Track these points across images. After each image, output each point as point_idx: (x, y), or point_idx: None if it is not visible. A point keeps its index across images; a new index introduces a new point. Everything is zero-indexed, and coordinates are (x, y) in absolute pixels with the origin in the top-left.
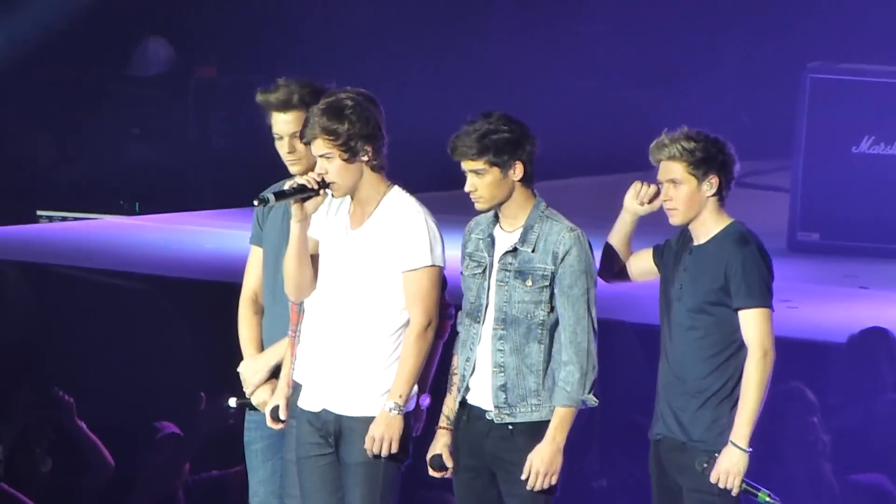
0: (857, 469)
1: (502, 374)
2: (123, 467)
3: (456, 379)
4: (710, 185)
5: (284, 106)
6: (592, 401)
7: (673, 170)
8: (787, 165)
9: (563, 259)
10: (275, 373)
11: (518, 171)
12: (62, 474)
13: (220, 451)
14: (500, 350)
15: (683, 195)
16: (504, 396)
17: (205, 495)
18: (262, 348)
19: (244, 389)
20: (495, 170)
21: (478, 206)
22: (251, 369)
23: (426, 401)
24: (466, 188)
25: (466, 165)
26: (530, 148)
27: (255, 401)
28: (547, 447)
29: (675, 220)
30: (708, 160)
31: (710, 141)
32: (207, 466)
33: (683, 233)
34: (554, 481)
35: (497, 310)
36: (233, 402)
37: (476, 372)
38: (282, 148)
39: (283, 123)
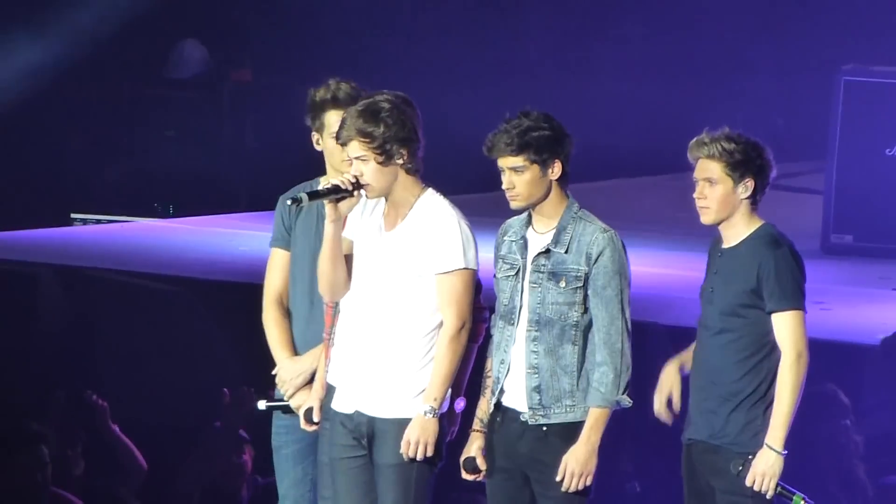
0: (891, 471)
1: (536, 376)
2: (159, 469)
3: (489, 381)
4: (746, 187)
5: (333, 103)
6: (626, 401)
7: (710, 168)
8: (820, 167)
9: (596, 260)
10: (311, 377)
11: (556, 170)
12: (95, 477)
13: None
14: (535, 352)
15: (718, 195)
16: (538, 398)
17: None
18: (294, 350)
19: (282, 392)
20: (535, 167)
21: (514, 205)
22: (292, 371)
23: (461, 404)
24: (504, 185)
25: (505, 162)
26: (568, 148)
27: (294, 404)
28: (582, 448)
29: (707, 218)
30: (746, 163)
31: (751, 144)
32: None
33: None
34: (589, 482)
35: (531, 311)
36: (262, 404)
37: (510, 374)
38: (329, 143)
39: (333, 122)
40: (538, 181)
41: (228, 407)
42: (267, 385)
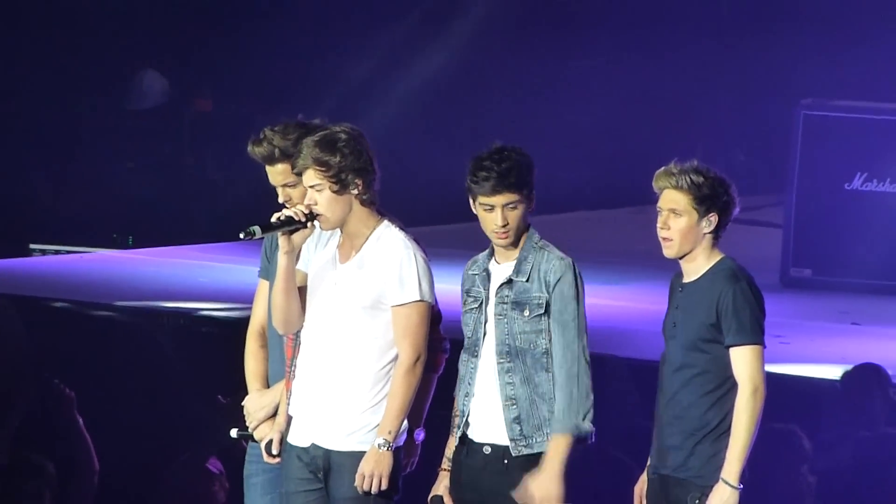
0: None
1: (515, 407)
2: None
3: (458, 420)
4: (709, 222)
5: (268, 160)
6: (586, 427)
7: (676, 200)
8: (780, 201)
9: (554, 286)
10: (276, 410)
11: (531, 204)
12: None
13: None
14: (510, 383)
15: (682, 227)
16: (519, 428)
17: None
18: (267, 383)
19: (247, 423)
20: (524, 202)
21: (506, 242)
22: (257, 404)
23: (420, 435)
24: (499, 222)
25: (500, 199)
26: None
27: (257, 436)
28: (545, 476)
29: (669, 251)
30: (713, 197)
31: (718, 179)
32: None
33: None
34: None
35: (500, 343)
36: (234, 433)
37: (478, 406)
38: (281, 197)
39: (272, 175)
40: (526, 215)
41: (220, 413)
42: (230, 414)
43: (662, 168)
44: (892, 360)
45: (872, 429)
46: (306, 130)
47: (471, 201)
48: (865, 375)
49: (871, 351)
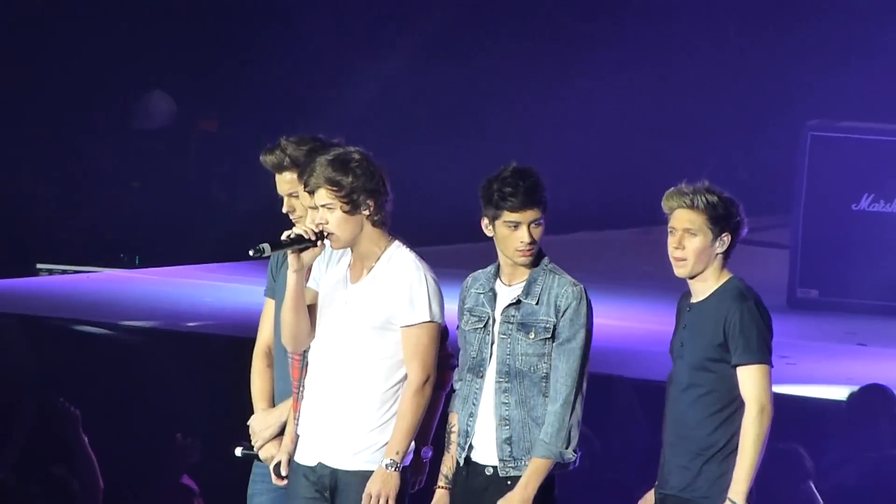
0: None
1: (507, 427)
2: None
3: (454, 437)
4: (722, 242)
5: (277, 168)
6: (570, 455)
7: (692, 220)
8: (786, 222)
9: (564, 312)
10: (284, 428)
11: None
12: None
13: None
14: (505, 403)
15: (696, 247)
16: (509, 450)
17: None
18: (273, 402)
19: (253, 443)
20: (543, 223)
21: (526, 260)
22: (262, 423)
23: (429, 453)
24: (526, 240)
25: (526, 216)
26: None
27: (263, 455)
28: (517, 495)
29: (682, 271)
30: (727, 217)
31: (730, 200)
32: None
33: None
34: None
35: (500, 363)
36: (239, 451)
37: (479, 427)
38: (284, 206)
39: (280, 184)
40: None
41: (175, 454)
42: (236, 433)
43: (673, 188)
44: None
45: (879, 450)
46: (321, 145)
47: (487, 221)
48: (872, 396)
49: (877, 372)
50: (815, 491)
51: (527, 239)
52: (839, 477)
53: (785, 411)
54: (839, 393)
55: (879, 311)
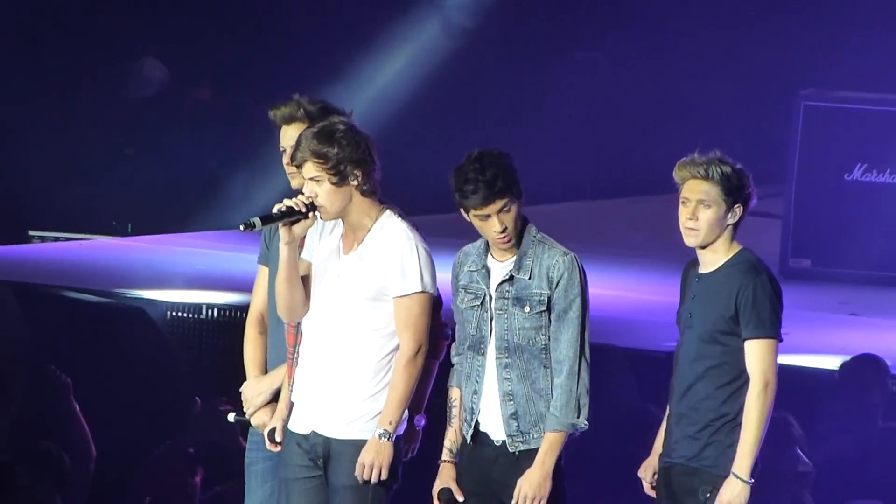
0: (850, 496)
1: (512, 402)
2: (109, 486)
3: (456, 411)
4: (734, 214)
5: (289, 119)
6: (583, 425)
7: (706, 191)
8: (779, 192)
9: (557, 283)
10: (276, 395)
11: (521, 200)
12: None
13: (221, 468)
14: (507, 378)
15: (710, 218)
16: (516, 424)
17: None
18: (265, 369)
19: (245, 410)
20: (517, 203)
21: (507, 245)
22: (254, 390)
23: (422, 422)
24: (496, 229)
25: (494, 207)
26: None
27: (254, 422)
28: (536, 472)
29: (694, 240)
30: (740, 189)
31: (742, 171)
32: (211, 483)
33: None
34: None
35: (499, 338)
36: (231, 417)
37: (484, 403)
38: (284, 159)
39: (284, 137)
40: (520, 212)
41: (193, 419)
42: (229, 400)
43: (686, 158)
44: (891, 350)
45: (870, 419)
46: (331, 110)
47: (463, 213)
48: (864, 366)
49: (869, 341)
50: (803, 454)
51: (498, 228)
52: (830, 446)
53: (777, 381)
54: (831, 363)
55: (872, 280)
